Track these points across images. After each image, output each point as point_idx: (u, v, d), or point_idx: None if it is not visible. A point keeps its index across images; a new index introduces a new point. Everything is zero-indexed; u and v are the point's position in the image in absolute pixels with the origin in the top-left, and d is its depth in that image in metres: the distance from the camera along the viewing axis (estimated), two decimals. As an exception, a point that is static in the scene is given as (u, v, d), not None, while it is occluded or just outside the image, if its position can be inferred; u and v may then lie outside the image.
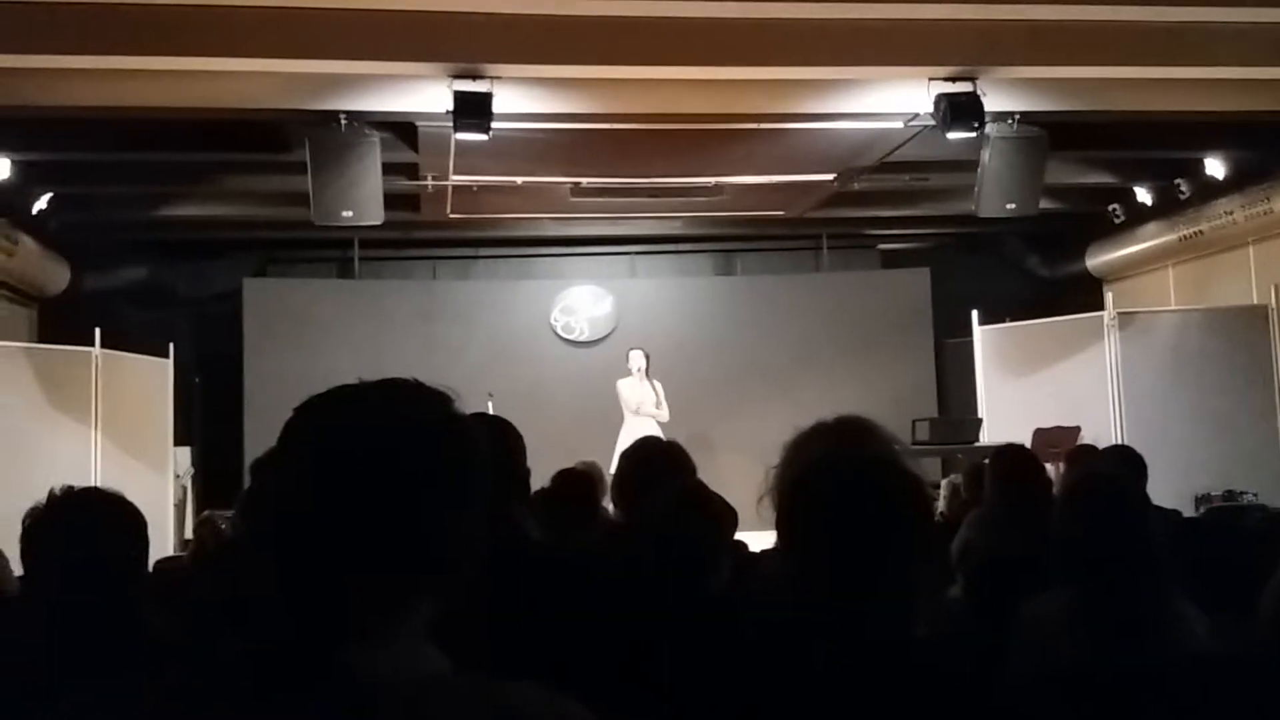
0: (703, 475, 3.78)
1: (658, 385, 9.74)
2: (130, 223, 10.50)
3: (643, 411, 9.55)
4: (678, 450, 3.62)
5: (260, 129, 8.04)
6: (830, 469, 1.72)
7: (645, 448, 3.73)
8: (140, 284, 11.30)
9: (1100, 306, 10.42)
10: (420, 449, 1.17)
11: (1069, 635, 2.56)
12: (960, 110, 6.77)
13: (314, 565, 1.13)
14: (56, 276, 10.17)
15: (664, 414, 9.62)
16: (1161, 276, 11.37)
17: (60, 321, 10.26)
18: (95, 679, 1.71)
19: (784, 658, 1.58)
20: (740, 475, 3.46)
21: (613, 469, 5.04)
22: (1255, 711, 1.89)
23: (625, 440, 7.88)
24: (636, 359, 9.79)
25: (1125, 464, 4.61)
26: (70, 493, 2.33)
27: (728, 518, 2.66)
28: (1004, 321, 10.75)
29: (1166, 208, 10.44)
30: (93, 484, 2.57)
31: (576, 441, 7.81)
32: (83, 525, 2.27)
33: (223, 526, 5.19)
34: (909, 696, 1.51)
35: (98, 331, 9.41)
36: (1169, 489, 6.99)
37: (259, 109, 7.18)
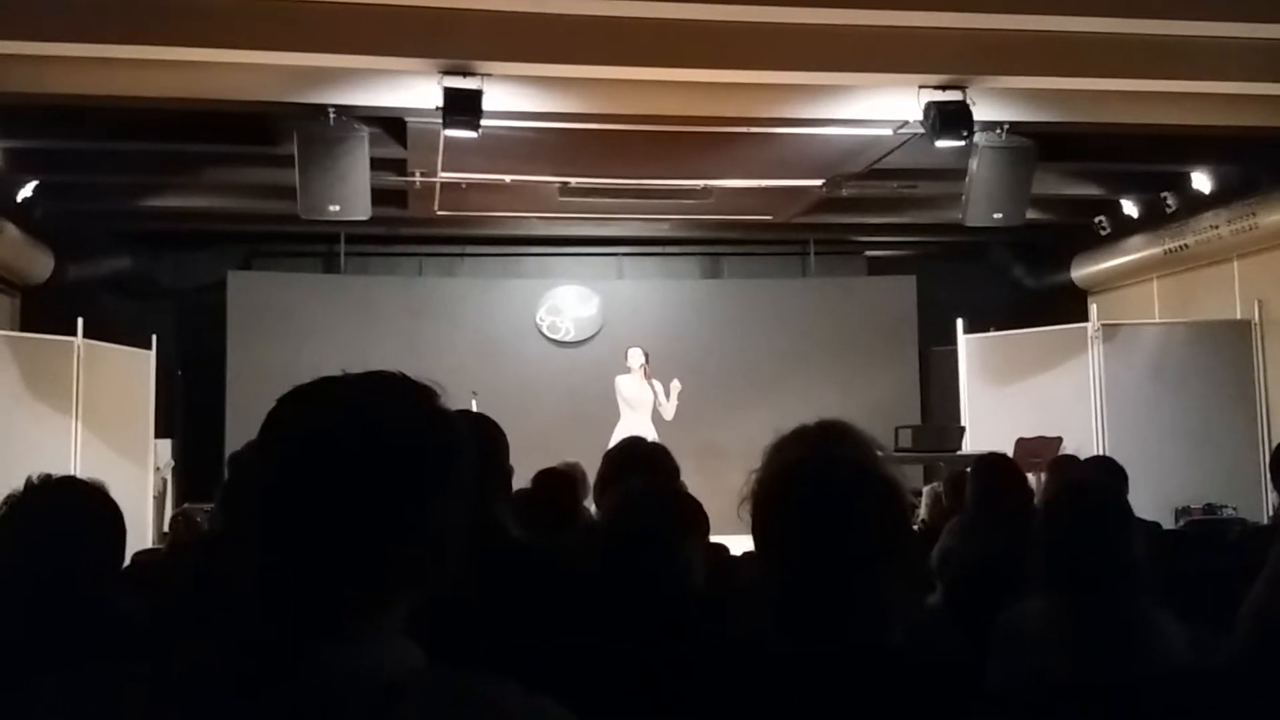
0: (686, 477, 3.78)
1: (657, 386, 9.65)
2: (115, 212, 10.45)
3: (640, 409, 9.48)
4: (660, 451, 3.61)
5: (248, 121, 8.00)
6: (803, 471, 1.72)
7: (628, 448, 3.72)
8: (124, 274, 11.26)
9: (1084, 318, 10.46)
10: (405, 442, 1.16)
11: (1047, 644, 2.56)
12: (949, 119, 6.80)
13: (295, 557, 1.12)
14: (40, 265, 10.11)
15: (668, 412, 9.53)
16: (1146, 289, 11.42)
17: (43, 311, 10.20)
18: (70, 668, 1.70)
19: (759, 661, 1.58)
20: (724, 478, 3.45)
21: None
22: (1231, 723, 1.89)
23: (619, 437, 7.83)
24: (636, 357, 9.69)
25: (1107, 474, 4.63)
26: (47, 481, 2.32)
27: (691, 515, 2.63)
28: (989, 331, 10.78)
29: (1152, 221, 10.48)
30: (70, 474, 2.55)
31: (561, 441, 7.78)
32: (59, 514, 2.26)
33: (199, 520, 5.17)
34: (885, 702, 1.51)
35: (80, 321, 9.37)
36: (1150, 501, 7.01)
37: (248, 101, 7.13)
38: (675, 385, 9.65)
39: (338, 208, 7.41)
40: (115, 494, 2.45)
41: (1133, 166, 9.70)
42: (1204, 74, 6.68)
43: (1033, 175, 7.89)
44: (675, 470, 3.47)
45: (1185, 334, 10.10)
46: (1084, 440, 9.15)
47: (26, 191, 9.06)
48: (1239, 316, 10.00)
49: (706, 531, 2.66)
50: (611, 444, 4.62)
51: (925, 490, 6.97)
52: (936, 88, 6.77)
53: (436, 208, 10.25)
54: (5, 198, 8.97)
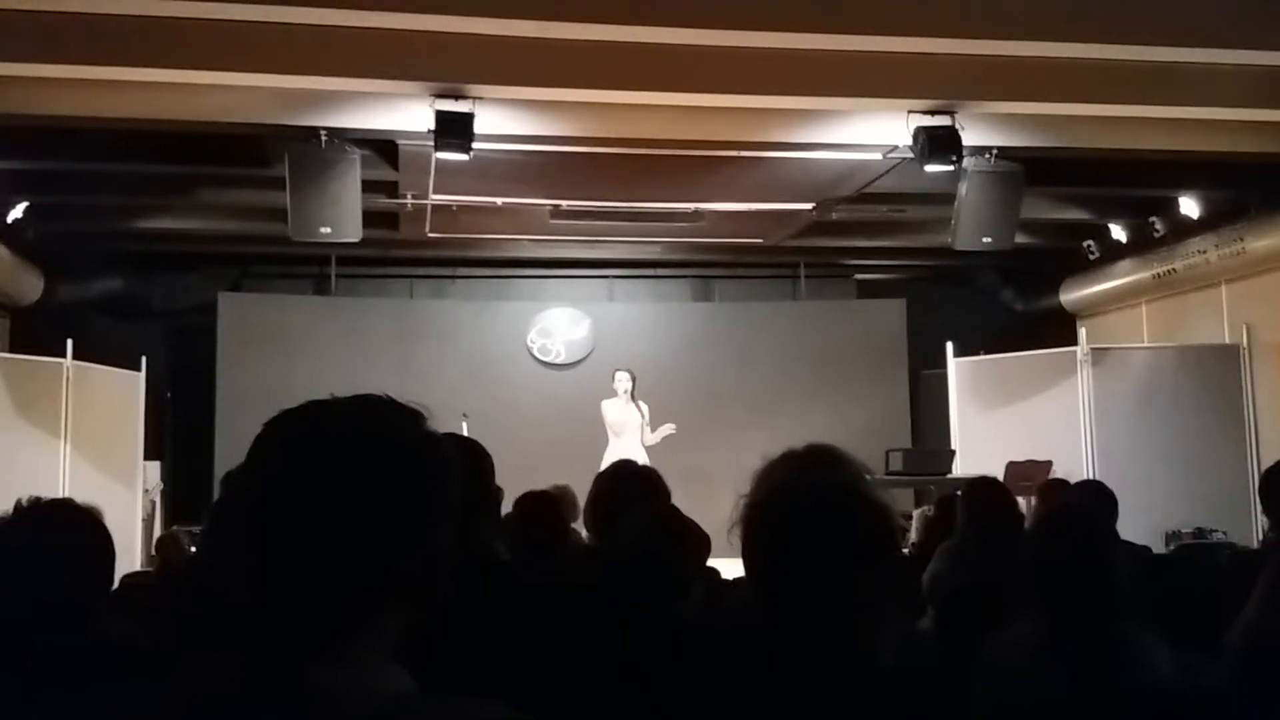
0: (677, 500, 3.78)
1: (644, 407, 9.59)
2: (106, 234, 10.44)
3: (625, 434, 9.42)
4: (652, 475, 3.61)
5: (240, 143, 8.01)
6: (792, 496, 1.72)
7: (620, 471, 3.73)
8: (114, 296, 11.23)
9: (1074, 342, 10.50)
10: (392, 465, 1.16)
11: (1034, 666, 2.56)
12: (938, 143, 6.82)
13: (282, 581, 1.12)
14: (30, 286, 10.09)
15: (649, 439, 9.39)
16: (1135, 313, 11.46)
17: (33, 332, 10.16)
18: (59, 690, 1.69)
19: (750, 685, 1.58)
20: (714, 501, 3.45)
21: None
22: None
23: (609, 462, 7.72)
24: (622, 380, 9.62)
25: (1096, 499, 4.64)
26: (37, 504, 2.31)
27: (699, 543, 2.66)
28: (978, 354, 10.80)
29: (1141, 245, 10.53)
30: (61, 496, 2.54)
31: (552, 464, 7.78)
32: (48, 536, 2.25)
33: (186, 543, 5.16)
34: (875, 725, 1.51)
35: (70, 343, 9.34)
36: (1139, 525, 7.03)
37: (239, 123, 7.14)
38: (668, 429, 9.42)
39: (329, 229, 7.42)
40: (104, 516, 2.43)
41: (1121, 191, 9.75)
42: (1192, 100, 6.72)
43: (1021, 200, 7.93)
44: (667, 492, 3.47)
45: (1174, 358, 10.14)
46: (1074, 464, 9.17)
47: (17, 213, 9.04)
48: (1227, 341, 10.04)
49: (707, 557, 2.68)
50: (603, 468, 4.62)
51: (915, 514, 6.98)
52: (925, 113, 6.81)
53: (428, 230, 10.26)
54: (-4, 219, 8.96)
